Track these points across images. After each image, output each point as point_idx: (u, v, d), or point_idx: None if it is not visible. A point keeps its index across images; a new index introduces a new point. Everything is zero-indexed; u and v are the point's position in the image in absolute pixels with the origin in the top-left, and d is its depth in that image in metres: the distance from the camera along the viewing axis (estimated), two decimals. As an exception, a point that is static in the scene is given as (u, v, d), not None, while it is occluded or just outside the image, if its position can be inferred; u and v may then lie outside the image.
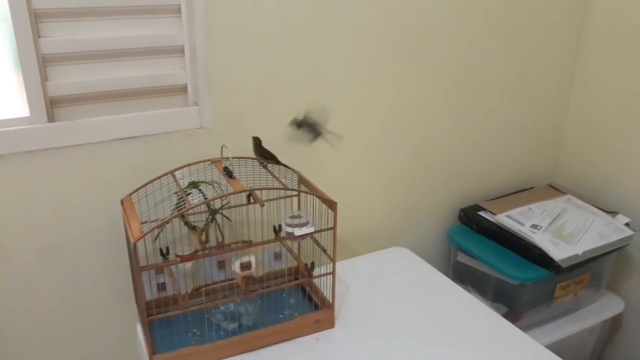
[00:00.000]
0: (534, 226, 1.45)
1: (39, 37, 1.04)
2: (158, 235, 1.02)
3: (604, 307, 1.54)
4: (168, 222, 0.93)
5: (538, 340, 1.10)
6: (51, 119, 1.08)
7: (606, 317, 1.53)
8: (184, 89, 1.19)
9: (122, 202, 1.06)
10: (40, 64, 1.05)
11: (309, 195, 1.09)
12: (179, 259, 0.99)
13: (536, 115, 1.68)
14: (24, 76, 1.04)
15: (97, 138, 1.11)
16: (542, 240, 1.39)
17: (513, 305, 1.40)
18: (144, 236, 0.90)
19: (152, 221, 1.04)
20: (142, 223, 0.98)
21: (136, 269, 0.92)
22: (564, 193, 1.64)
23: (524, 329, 1.17)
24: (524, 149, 1.70)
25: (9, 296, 1.12)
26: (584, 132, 1.70)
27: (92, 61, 1.10)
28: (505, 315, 1.27)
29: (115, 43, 1.10)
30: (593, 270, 1.48)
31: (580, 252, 1.36)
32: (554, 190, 1.67)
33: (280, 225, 1.17)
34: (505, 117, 1.62)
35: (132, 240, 0.90)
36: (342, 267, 1.27)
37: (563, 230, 1.44)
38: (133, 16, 1.11)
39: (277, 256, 1.17)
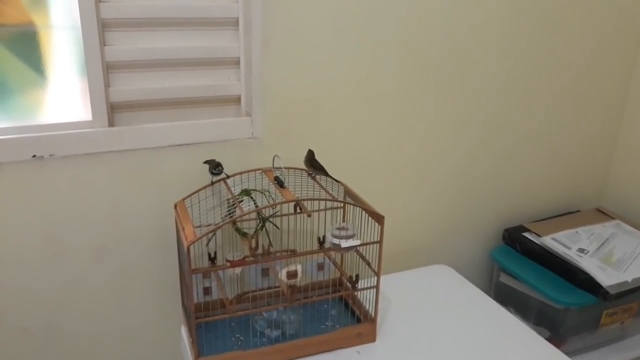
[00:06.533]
0: (581, 250, 1.42)
1: (104, 45, 1.09)
2: (210, 239, 1.05)
3: (652, 338, 1.49)
4: (220, 228, 0.95)
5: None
6: (111, 123, 1.13)
7: (654, 349, 1.48)
8: (237, 100, 1.22)
9: (175, 206, 1.09)
10: (104, 71, 1.09)
11: (353, 207, 1.09)
12: (229, 263, 1.01)
13: (584, 137, 1.65)
14: (89, 82, 1.09)
15: (153, 143, 1.14)
16: (589, 265, 1.36)
17: (557, 330, 1.37)
18: (197, 240, 0.93)
19: (205, 226, 1.07)
20: (195, 227, 1.01)
21: (187, 272, 0.95)
22: (613, 218, 1.60)
23: (567, 355, 1.14)
24: (571, 171, 1.67)
25: (62, 291, 1.17)
26: (634, 156, 1.65)
27: (152, 69, 1.14)
28: (548, 340, 1.24)
29: (174, 53, 1.14)
30: (642, 298, 1.43)
31: (629, 279, 1.32)
32: (602, 214, 1.63)
33: (324, 237, 1.18)
34: (552, 137, 1.60)
35: (185, 244, 0.93)
36: (384, 281, 1.26)
37: (611, 256, 1.40)
38: (192, 28, 1.15)
39: (320, 267, 1.18)
